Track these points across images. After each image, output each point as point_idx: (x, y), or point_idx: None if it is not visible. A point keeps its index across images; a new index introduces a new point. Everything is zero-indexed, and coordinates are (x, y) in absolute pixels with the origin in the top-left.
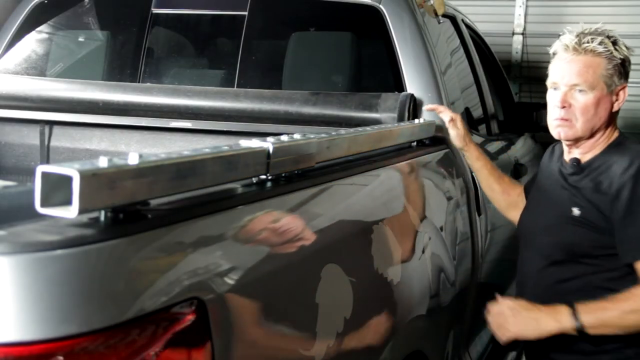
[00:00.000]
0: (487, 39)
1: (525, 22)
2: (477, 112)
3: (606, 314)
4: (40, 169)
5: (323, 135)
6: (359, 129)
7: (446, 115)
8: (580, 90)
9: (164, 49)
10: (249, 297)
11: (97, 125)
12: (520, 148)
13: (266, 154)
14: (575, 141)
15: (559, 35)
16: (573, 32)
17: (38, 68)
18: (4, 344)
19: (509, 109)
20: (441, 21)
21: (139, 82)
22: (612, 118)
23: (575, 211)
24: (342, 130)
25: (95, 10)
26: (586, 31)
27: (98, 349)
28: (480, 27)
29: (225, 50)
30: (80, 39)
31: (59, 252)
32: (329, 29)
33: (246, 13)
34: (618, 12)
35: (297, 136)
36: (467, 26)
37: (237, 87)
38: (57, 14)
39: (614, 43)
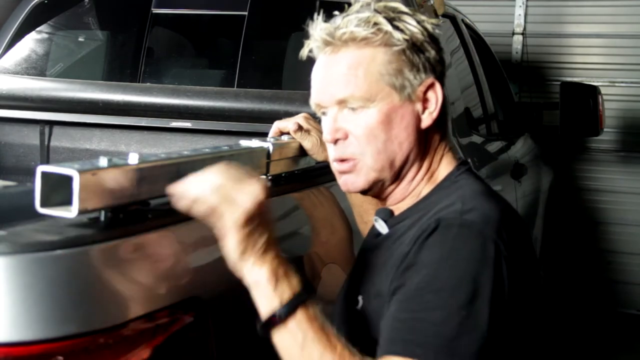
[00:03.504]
0: (487, 39)
1: (525, 22)
2: (477, 112)
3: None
4: (40, 169)
5: None
6: None
7: (291, 124)
8: (353, 108)
9: (164, 49)
10: (249, 296)
11: (97, 125)
12: (520, 148)
13: (266, 154)
14: (378, 191)
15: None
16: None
17: (38, 68)
18: (3, 344)
19: (509, 109)
20: (441, 21)
21: (139, 82)
22: (429, 138)
23: (360, 302)
24: None
25: (95, 10)
26: (353, 9)
27: (98, 349)
28: (480, 27)
29: (225, 50)
30: (80, 39)
31: (59, 252)
32: None
33: (246, 13)
34: (618, 12)
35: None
36: (467, 26)
37: (237, 87)
38: (57, 14)
39: (392, 20)
